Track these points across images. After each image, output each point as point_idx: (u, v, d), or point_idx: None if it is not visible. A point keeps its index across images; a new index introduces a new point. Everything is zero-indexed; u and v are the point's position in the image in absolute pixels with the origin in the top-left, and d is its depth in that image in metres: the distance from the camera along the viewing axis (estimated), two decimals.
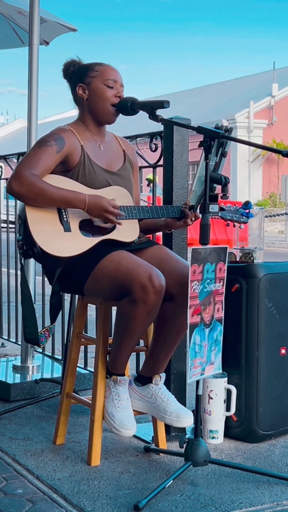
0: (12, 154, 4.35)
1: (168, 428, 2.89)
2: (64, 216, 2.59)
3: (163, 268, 2.55)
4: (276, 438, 2.98)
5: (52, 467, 2.63)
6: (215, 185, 2.42)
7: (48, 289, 2.92)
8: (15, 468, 2.62)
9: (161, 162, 3.06)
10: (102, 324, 2.69)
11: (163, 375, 2.71)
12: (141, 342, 2.86)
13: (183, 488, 2.45)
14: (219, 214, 2.61)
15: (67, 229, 2.58)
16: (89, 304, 2.90)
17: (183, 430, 2.94)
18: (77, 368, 2.98)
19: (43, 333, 2.80)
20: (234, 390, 2.90)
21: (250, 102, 29.17)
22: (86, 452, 2.70)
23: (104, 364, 2.67)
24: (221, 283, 2.49)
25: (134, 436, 2.93)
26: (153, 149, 3.11)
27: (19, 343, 4.22)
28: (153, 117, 2.63)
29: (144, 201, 7.60)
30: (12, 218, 4.42)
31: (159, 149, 3.06)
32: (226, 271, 2.49)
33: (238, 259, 3.04)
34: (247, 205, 2.75)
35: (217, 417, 2.91)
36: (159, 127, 2.95)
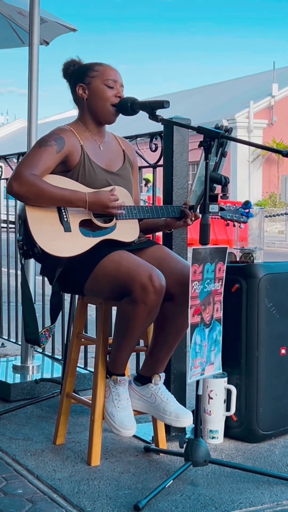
0: (12, 154, 4.35)
1: (168, 428, 2.89)
2: (64, 216, 2.59)
3: (163, 268, 2.55)
4: (276, 438, 2.98)
5: (52, 467, 2.64)
6: (215, 185, 2.42)
7: (48, 289, 2.92)
8: (15, 468, 2.62)
9: (161, 162, 3.06)
10: (102, 324, 2.69)
11: (162, 375, 2.71)
12: (141, 342, 2.86)
13: (183, 488, 2.45)
14: (219, 214, 2.61)
15: (67, 229, 2.58)
16: (89, 304, 2.90)
17: (183, 430, 2.94)
18: (77, 368, 2.98)
19: (43, 333, 2.80)
20: (234, 390, 2.90)
21: (250, 102, 29.17)
22: (86, 452, 2.70)
23: (104, 364, 2.67)
24: (220, 283, 2.49)
25: (134, 436, 2.93)
26: (153, 149, 3.11)
27: (19, 343, 4.22)
28: (153, 117, 2.63)
29: (144, 201, 7.60)
30: (12, 218, 4.43)
31: (159, 149, 3.06)
32: (225, 271, 2.49)
33: (238, 259, 3.04)
34: (247, 204, 2.75)
35: (217, 417, 2.91)
36: (159, 127, 2.95)
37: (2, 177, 4.64)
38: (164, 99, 2.61)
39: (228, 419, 2.95)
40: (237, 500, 2.36)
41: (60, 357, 4.00)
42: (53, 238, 2.56)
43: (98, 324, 2.71)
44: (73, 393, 2.88)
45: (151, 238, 2.98)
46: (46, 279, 2.81)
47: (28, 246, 2.60)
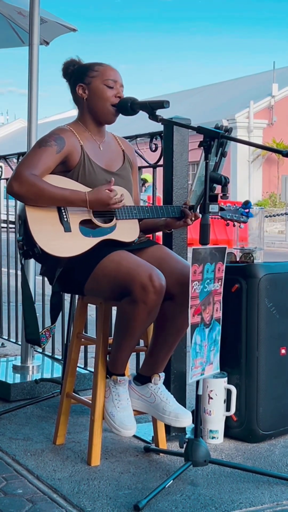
0: (12, 154, 4.35)
1: (168, 428, 2.89)
2: (64, 216, 2.59)
3: (163, 268, 2.55)
4: (276, 438, 2.98)
5: (52, 467, 2.64)
6: (215, 185, 2.42)
7: (48, 289, 2.92)
8: (15, 468, 2.62)
9: (161, 162, 3.06)
10: (102, 324, 2.69)
11: (162, 375, 2.71)
12: (141, 342, 2.86)
13: (183, 488, 2.45)
14: (219, 214, 2.61)
15: (67, 229, 2.58)
16: (89, 304, 2.90)
17: (183, 430, 2.94)
18: (77, 368, 2.98)
19: (43, 333, 2.80)
20: (234, 390, 2.90)
21: (250, 102, 29.17)
22: (86, 452, 2.70)
23: (104, 364, 2.67)
24: (220, 283, 2.49)
25: (134, 436, 2.93)
26: (153, 149, 3.11)
27: (19, 343, 4.22)
28: (153, 117, 2.63)
29: (144, 201, 7.60)
30: (12, 218, 4.43)
31: (159, 149, 3.06)
32: (224, 271, 2.49)
33: (238, 259, 3.04)
34: (246, 204, 2.75)
35: (217, 417, 2.91)
36: (159, 127, 2.95)
37: (2, 177, 4.65)
38: (164, 99, 2.61)
39: (228, 419, 2.95)
40: (237, 500, 2.36)
41: (60, 357, 4.00)
42: (53, 238, 2.56)
43: (98, 324, 2.71)
44: (73, 393, 2.88)
45: (151, 238, 2.98)
46: (46, 279, 2.81)
47: (28, 246, 2.60)
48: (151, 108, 2.62)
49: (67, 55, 2.81)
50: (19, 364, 3.84)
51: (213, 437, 2.92)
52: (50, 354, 4.13)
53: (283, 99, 30.40)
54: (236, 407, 2.91)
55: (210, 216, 2.43)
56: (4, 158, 4.50)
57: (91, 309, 3.11)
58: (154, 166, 3.18)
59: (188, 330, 2.39)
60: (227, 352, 2.90)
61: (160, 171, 3.11)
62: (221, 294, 2.51)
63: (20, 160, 3.75)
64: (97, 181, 2.67)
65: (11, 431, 3.04)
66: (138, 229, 2.74)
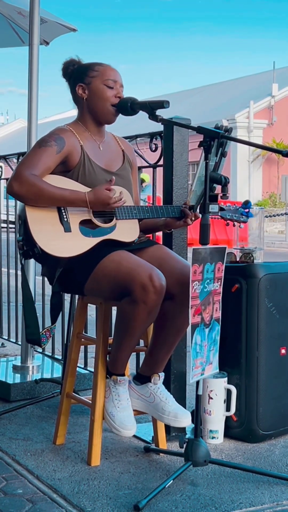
0: (12, 154, 4.35)
1: (168, 428, 2.89)
2: (64, 216, 2.59)
3: (163, 267, 2.55)
4: (276, 438, 2.98)
5: (52, 467, 2.63)
6: (215, 185, 2.42)
7: (48, 289, 2.92)
8: (15, 468, 2.62)
9: (161, 162, 3.06)
10: (102, 324, 2.69)
11: (162, 375, 2.71)
12: (141, 342, 2.86)
13: (183, 488, 2.45)
14: (219, 214, 2.61)
15: (67, 229, 2.58)
16: (89, 304, 2.90)
17: (183, 430, 2.94)
18: (77, 368, 2.98)
19: (44, 333, 2.80)
20: (234, 390, 2.90)
21: (250, 102, 29.16)
22: (86, 452, 2.70)
23: (104, 364, 2.67)
24: (219, 283, 2.49)
25: (134, 436, 2.93)
26: (153, 149, 3.11)
27: (19, 343, 4.22)
28: (153, 117, 2.63)
29: (144, 201, 7.60)
30: (12, 218, 4.43)
31: (159, 149, 3.06)
32: (224, 271, 2.49)
33: (238, 259, 3.04)
34: (246, 204, 2.75)
35: (217, 417, 2.91)
36: (159, 127, 2.95)
37: (2, 177, 4.65)
38: (164, 99, 2.61)
39: (228, 419, 2.95)
40: (237, 500, 2.36)
41: (60, 357, 4.00)
42: (53, 238, 2.56)
43: (98, 324, 2.71)
44: (73, 393, 2.88)
45: (151, 238, 2.98)
46: (46, 279, 2.81)
47: (28, 246, 2.60)
48: (151, 108, 2.62)
49: (67, 55, 2.81)
50: (19, 364, 3.84)
51: (213, 437, 2.92)
52: (50, 354, 4.14)
53: (283, 99, 30.40)
54: (236, 407, 2.91)
55: (210, 216, 2.43)
56: (4, 158, 4.50)
57: (91, 309, 3.11)
58: (154, 166, 3.18)
59: (189, 330, 2.39)
60: (227, 352, 2.90)
61: (160, 171, 3.11)
62: (221, 294, 2.51)
63: (20, 160, 3.75)
64: (97, 181, 2.67)
65: (11, 431, 3.04)
66: (138, 229, 2.74)
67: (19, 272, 3.67)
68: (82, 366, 3.78)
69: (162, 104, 2.60)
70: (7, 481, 2.49)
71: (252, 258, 3.00)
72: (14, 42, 4.96)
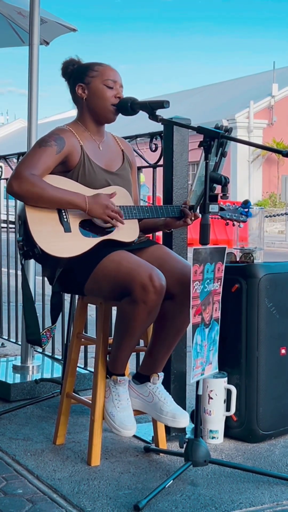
0: (12, 154, 4.35)
1: (168, 428, 2.89)
2: (64, 217, 2.59)
3: (163, 267, 2.55)
4: (276, 438, 2.98)
5: (52, 467, 2.63)
6: (215, 185, 2.42)
7: (48, 289, 2.92)
8: (15, 468, 2.62)
9: (161, 162, 3.06)
10: (102, 324, 2.69)
11: (161, 375, 2.71)
12: (141, 342, 2.86)
13: (183, 488, 2.45)
14: (219, 214, 2.61)
15: (67, 229, 2.58)
16: (89, 304, 2.90)
17: (183, 430, 2.94)
18: (77, 368, 2.98)
19: (44, 333, 2.80)
20: (234, 390, 2.90)
21: (250, 102, 29.16)
22: (86, 452, 2.70)
23: (104, 364, 2.67)
24: (219, 283, 2.49)
25: (134, 436, 2.93)
26: (153, 149, 3.11)
27: (19, 343, 4.22)
28: (153, 117, 2.63)
29: (144, 201, 7.60)
30: (12, 218, 4.43)
31: (159, 149, 3.06)
32: (223, 271, 2.49)
33: (238, 259, 3.04)
34: (246, 204, 2.75)
35: (217, 417, 2.91)
36: (159, 127, 2.95)
37: (2, 177, 4.65)
38: (164, 99, 2.61)
39: (228, 419, 2.95)
40: (237, 500, 2.36)
41: (60, 357, 4.00)
42: (53, 239, 2.55)
43: (98, 324, 2.71)
44: (73, 393, 2.89)
45: (151, 238, 2.98)
46: (46, 279, 2.81)
47: (28, 247, 2.60)
48: (151, 108, 2.62)
49: (67, 55, 2.81)
50: (19, 364, 3.84)
51: (213, 437, 2.92)
52: (50, 354, 4.14)
53: (283, 99, 30.40)
54: (236, 407, 2.91)
55: (209, 216, 2.43)
56: (4, 158, 4.50)
57: (91, 309, 3.11)
58: (154, 166, 3.18)
59: (190, 330, 2.39)
60: (227, 352, 2.90)
61: (160, 171, 3.11)
62: (220, 294, 2.51)
63: (20, 160, 3.75)
64: (96, 181, 2.67)
65: (11, 431, 3.04)
66: (138, 229, 2.74)
67: (19, 272, 3.67)
68: (82, 366, 3.78)
69: (162, 104, 2.60)
70: (7, 481, 2.49)
71: (252, 258, 3.00)
72: (14, 42, 4.97)
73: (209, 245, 2.41)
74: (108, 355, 2.69)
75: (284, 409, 3.00)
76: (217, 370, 2.56)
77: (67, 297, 3.89)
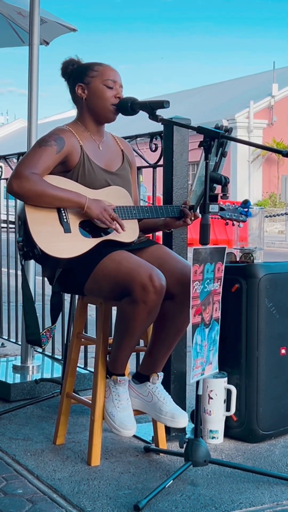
0: (12, 154, 4.35)
1: (168, 428, 2.89)
2: (64, 217, 2.59)
3: (163, 267, 2.55)
4: (276, 438, 2.98)
5: (52, 467, 2.63)
6: (215, 185, 2.42)
7: (48, 289, 2.92)
8: (15, 468, 2.62)
9: (161, 162, 3.06)
10: (102, 324, 2.69)
11: (161, 374, 2.71)
12: (141, 342, 2.86)
13: (183, 488, 2.45)
14: (219, 214, 2.61)
15: (67, 230, 2.58)
16: (89, 304, 2.90)
17: (183, 430, 2.94)
18: (77, 368, 2.97)
19: (44, 333, 2.80)
20: (234, 390, 2.90)
21: (250, 102, 29.17)
22: (86, 452, 2.70)
23: (104, 364, 2.67)
24: (219, 283, 2.49)
25: (134, 436, 2.93)
26: (153, 149, 3.11)
27: (19, 343, 4.22)
28: (153, 117, 2.63)
29: (144, 201, 7.60)
30: (12, 218, 4.43)
31: (159, 149, 3.06)
32: (223, 271, 2.49)
33: (238, 259, 3.04)
34: (245, 203, 2.75)
35: (217, 417, 2.91)
36: (159, 127, 2.95)
37: (2, 177, 4.65)
38: (164, 99, 2.61)
39: (228, 419, 2.95)
40: (237, 500, 2.36)
41: (60, 357, 4.00)
42: (53, 239, 2.55)
43: (98, 324, 2.71)
44: (73, 393, 2.88)
45: (151, 238, 2.98)
46: (46, 279, 2.81)
47: (28, 247, 2.60)
48: (151, 108, 2.62)
49: (67, 55, 2.81)
50: (19, 364, 3.84)
51: (213, 437, 2.92)
52: (50, 354, 4.14)
53: (283, 99, 30.40)
54: (236, 407, 2.91)
55: (209, 216, 2.43)
56: (4, 158, 4.50)
57: (91, 309, 3.11)
58: (154, 166, 3.18)
59: (190, 330, 2.39)
60: (227, 352, 2.90)
61: (160, 171, 3.11)
62: (220, 294, 2.51)
63: (20, 159, 3.75)
64: (96, 181, 2.67)
65: (11, 431, 3.04)
66: (138, 229, 2.74)
67: (19, 272, 3.67)
68: (82, 366, 3.78)
69: (162, 104, 2.60)
70: (7, 481, 2.49)
71: (252, 258, 3.00)
72: (14, 42, 4.96)
73: (209, 245, 2.41)
74: (108, 355, 2.69)
75: (284, 409, 3.00)
76: (217, 370, 2.56)
77: (67, 297, 3.89)
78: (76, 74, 2.76)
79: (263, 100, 30.06)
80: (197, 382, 2.46)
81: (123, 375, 2.65)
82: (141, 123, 6.56)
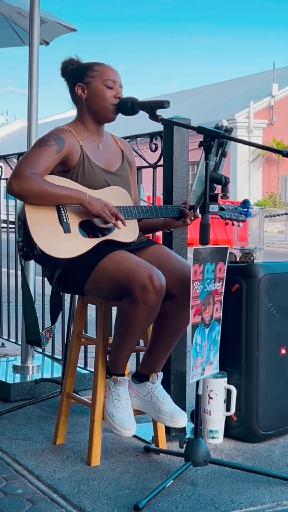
0: (12, 154, 4.35)
1: (168, 428, 2.89)
2: (64, 217, 2.59)
3: (163, 267, 2.55)
4: (276, 438, 2.98)
5: (52, 467, 2.63)
6: (215, 185, 2.42)
7: (48, 289, 2.92)
8: (15, 468, 2.62)
9: (161, 162, 3.06)
10: (102, 324, 2.69)
11: (160, 374, 2.71)
12: (141, 342, 2.86)
13: (183, 488, 2.45)
14: (218, 214, 2.61)
15: (67, 230, 2.58)
16: (89, 304, 2.90)
17: (183, 430, 2.94)
18: (77, 368, 2.97)
19: (44, 334, 2.80)
20: (234, 390, 2.90)
21: (250, 102, 29.17)
22: (86, 452, 2.70)
23: (104, 364, 2.67)
24: (221, 283, 2.49)
25: (134, 436, 2.93)
26: (153, 149, 3.11)
27: (19, 343, 4.22)
28: (153, 117, 2.63)
29: (144, 201, 7.60)
30: (12, 218, 4.43)
31: (159, 149, 3.06)
32: (225, 271, 2.49)
33: (238, 259, 3.04)
34: (245, 203, 2.75)
35: (217, 417, 2.91)
36: (159, 127, 2.95)
37: (2, 177, 4.65)
38: (164, 99, 2.61)
39: (228, 419, 2.95)
40: (237, 500, 2.36)
41: (60, 357, 4.00)
42: (53, 240, 2.55)
43: (98, 324, 2.71)
44: (73, 393, 2.88)
45: (151, 238, 2.98)
46: (46, 279, 2.81)
47: (28, 248, 2.60)
48: (151, 108, 2.62)
49: (67, 55, 2.81)
50: (19, 364, 3.84)
51: (213, 437, 2.92)
52: (50, 354, 4.13)
53: (283, 99, 30.40)
54: (236, 407, 2.91)
55: (209, 216, 2.43)
56: (4, 158, 4.50)
57: (91, 309, 3.11)
58: (154, 166, 3.18)
59: (189, 330, 2.39)
60: (227, 352, 2.90)
61: (160, 171, 3.11)
62: (222, 294, 2.51)
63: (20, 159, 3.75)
64: (96, 181, 2.67)
65: (11, 431, 3.04)
66: (138, 229, 2.73)
67: (19, 273, 3.67)
68: (82, 366, 3.78)
69: (162, 104, 2.60)
70: (7, 481, 2.49)
71: (252, 258, 3.00)
72: (14, 42, 4.97)
73: (209, 245, 2.41)
74: (108, 355, 2.69)
75: (284, 409, 3.00)
76: (218, 370, 2.56)
77: (67, 297, 3.89)
78: (76, 74, 2.76)
79: (263, 100, 30.07)
80: (197, 382, 2.47)
81: (123, 375, 2.65)
82: (141, 123, 6.56)
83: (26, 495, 2.37)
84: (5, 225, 4.67)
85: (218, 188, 2.44)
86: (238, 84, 35.54)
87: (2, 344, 4.66)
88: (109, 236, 2.64)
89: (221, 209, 2.65)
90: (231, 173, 28.24)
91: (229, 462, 2.71)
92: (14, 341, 4.51)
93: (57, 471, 2.59)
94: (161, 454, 2.78)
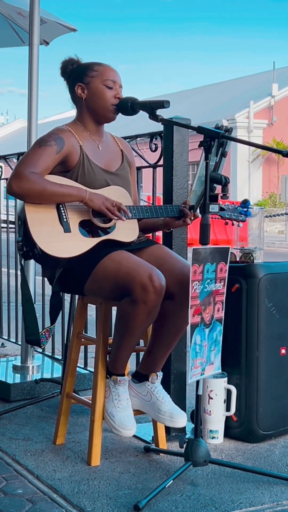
0: (12, 154, 4.35)
1: (168, 428, 2.89)
2: (64, 217, 2.59)
3: (163, 267, 2.55)
4: (276, 438, 2.98)
5: (52, 467, 2.63)
6: (215, 185, 2.42)
7: (48, 289, 2.92)
8: (15, 468, 2.62)
9: (161, 162, 3.06)
10: (102, 324, 2.69)
11: (160, 374, 2.71)
12: (141, 342, 2.86)
13: (183, 488, 2.45)
14: (218, 214, 2.61)
15: (67, 229, 2.58)
16: (89, 304, 2.90)
17: (183, 430, 2.94)
18: (77, 368, 2.97)
19: (43, 333, 2.80)
20: (234, 390, 2.90)
21: (250, 102, 29.17)
22: (86, 452, 2.70)
23: (104, 364, 2.67)
24: (222, 283, 2.49)
25: (134, 436, 2.93)
26: (153, 149, 3.11)
27: (19, 343, 4.22)
28: (153, 117, 2.63)
29: (144, 201, 7.60)
30: (12, 218, 4.43)
31: (159, 149, 3.06)
32: (227, 272, 2.49)
33: (238, 259, 3.04)
34: (245, 203, 2.75)
35: (217, 417, 2.91)
36: (159, 127, 2.95)
37: (2, 177, 4.65)
38: (164, 99, 2.61)
39: (228, 419, 2.95)
40: (237, 500, 2.36)
41: (60, 357, 4.00)
42: (53, 239, 2.55)
43: (98, 324, 2.71)
44: (73, 393, 2.88)
45: (151, 238, 2.98)
46: (46, 279, 2.81)
47: (28, 247, 2.60)
48: (151, 108, 2.62)
49: (67, 55, 2.81)
50: (19, 364, 3.84)
51: (213, 437, 2.92)
52: (50, 354, 4.14)
53: (283, 99, 30.40)
54: (236, 407, 2.91)
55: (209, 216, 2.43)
56: (4, 158, 4.50)
57: (91, 309, 3.11)
58: (154, 166, 3.18)
59: (188, 330, 2.39)
60: (227, 352, 2.89)
61: (160, 171, 3.11)
62: (224, 295, 2.51)
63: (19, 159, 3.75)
64: (96, 181, 2.67)
65: (11, 431, 3.04)
66: (138, 229, 2.73)
67: (19, 272, 3.67)
68: (82, 366, 3.78)
69: (162, 104, 2.60)
70: (7, 481, 2.49)
71: (252, 258, 3.00)
72: (14, 42, 4.97)
73: (209, 245, 2.41)
74: (108, 355, 2.69)
75: (284, 409, 3.00)
76: (220, 370, 2.56)
77: (67, 297, 3.89)
78: (75, 74, 2.76)
79: (263, 100, 30.07)
80: (197, 382, 2.47)
81: (123, 375, 2.65)
82: (141, 123, 6.56)
83: (26, 495, 2.37)
84: (5, 225, 4.67)
85: (218, 188, 2.44)
86: (238, 84, 35.54)
87: (2, 344, 4.66)
88: (109, 236, 2.64)
89: (221, 209, 2.65)
90: (231, 173, 28.24)
91: (229, 462, 2.71)
92: (14, 341, 4.51)
93: (57, 471, 2.59)
94: (161, 454, 2.78)
